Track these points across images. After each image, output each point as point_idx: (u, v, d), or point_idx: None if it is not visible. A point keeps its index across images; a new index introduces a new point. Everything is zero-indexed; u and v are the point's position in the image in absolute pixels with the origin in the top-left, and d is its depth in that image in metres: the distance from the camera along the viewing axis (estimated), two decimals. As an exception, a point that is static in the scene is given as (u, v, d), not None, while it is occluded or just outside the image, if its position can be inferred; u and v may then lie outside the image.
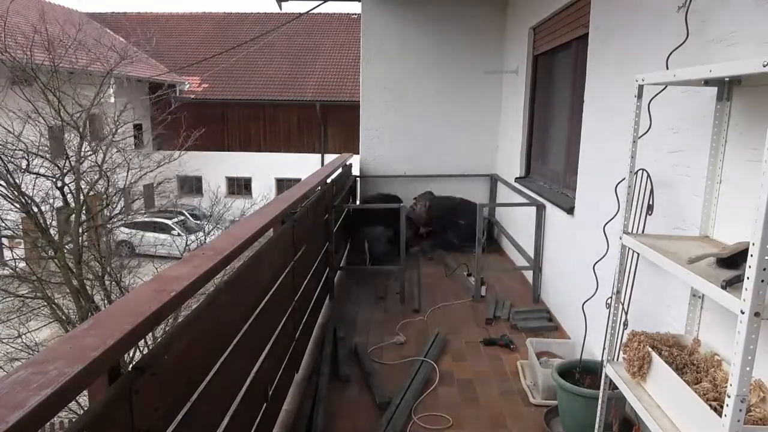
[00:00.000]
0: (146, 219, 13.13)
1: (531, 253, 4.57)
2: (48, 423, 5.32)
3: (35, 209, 8.25)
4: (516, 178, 5.49)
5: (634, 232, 2.36)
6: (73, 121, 8.73)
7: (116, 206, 9.68)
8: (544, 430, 2.71)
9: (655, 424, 1.68)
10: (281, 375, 2.66)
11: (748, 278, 1.24)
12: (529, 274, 4.79)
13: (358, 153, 6.71)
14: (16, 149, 8.37)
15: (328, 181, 4.55)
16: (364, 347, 3.62)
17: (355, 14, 15.54)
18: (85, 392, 1.11)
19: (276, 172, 18.69)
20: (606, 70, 3.29)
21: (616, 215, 2.38)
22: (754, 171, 1.77)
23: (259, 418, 2.25)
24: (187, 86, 18.84)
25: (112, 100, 10.79)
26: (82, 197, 8.54)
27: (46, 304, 8.01)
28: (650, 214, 2.35)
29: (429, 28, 6.32)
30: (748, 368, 1.25)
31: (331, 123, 18.99)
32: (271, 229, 2.51)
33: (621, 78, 2.98)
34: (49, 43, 9.21)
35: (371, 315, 4.25)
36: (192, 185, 18.55)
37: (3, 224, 8.46)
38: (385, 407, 2.86)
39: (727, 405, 1.29)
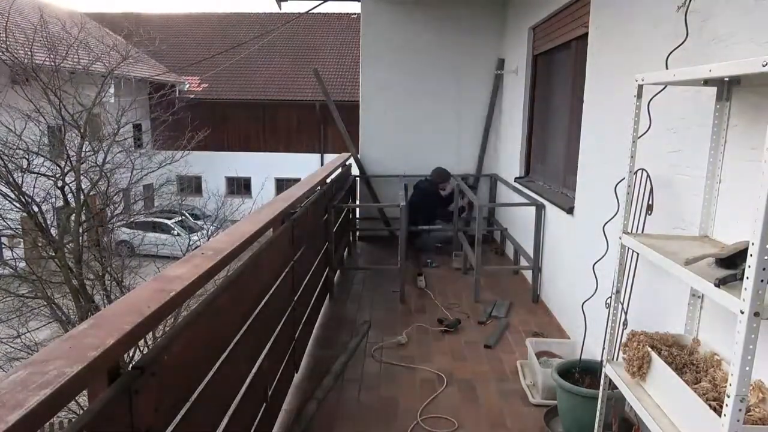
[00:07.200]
0: (146, 219, 13.11)
1: (531, 253, 4.57)
2: (48, 423, 5.32)
3: (36, 209, 8.24)
4: (516, 177, 5.49)
5: (634, 232, 2.36)
6: (74, 120, 8.72)
7: (118, 206, 9.66)
8: (543, 430, 2.71)
9: (654, 424, 1.68)
10: (281, 375, 2.67)
11: (747, 278, 1.24)
12: (528, 274, 4.79)
13: (357, 153, 6.71)
14: (16, 148, 8.36)
15: (328, 181, 4.55)
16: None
17: (355, 14, 15.53)
18: (85, 392, 1.12)
19: (276, 172, 18.67)
20: (606, 70, 3.29)
21: (615, 215, 2.38)
22: (754, 171, 1.77)
23: (258, 418, 2.25)
24: (187, 86, 18.84)
25: (113, 99, 10.77)
26: (82, 197, 8.53)
27: (45, 303, 8.00)
28: (650, 214, 2.35)
29: (429, 28, 6.32)
30: (747, 368, 1.26)
31: (331, 123, 18.89)
32: (271, 229, 2.52)
33: (621, 78, 2.98)
34: (50, 43, 9.19)
35: (371, 314, 4.25)
36: (191, 185, 18.55)
37: (3, 224, 8.45)
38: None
39: (727, 405, 1.29)
